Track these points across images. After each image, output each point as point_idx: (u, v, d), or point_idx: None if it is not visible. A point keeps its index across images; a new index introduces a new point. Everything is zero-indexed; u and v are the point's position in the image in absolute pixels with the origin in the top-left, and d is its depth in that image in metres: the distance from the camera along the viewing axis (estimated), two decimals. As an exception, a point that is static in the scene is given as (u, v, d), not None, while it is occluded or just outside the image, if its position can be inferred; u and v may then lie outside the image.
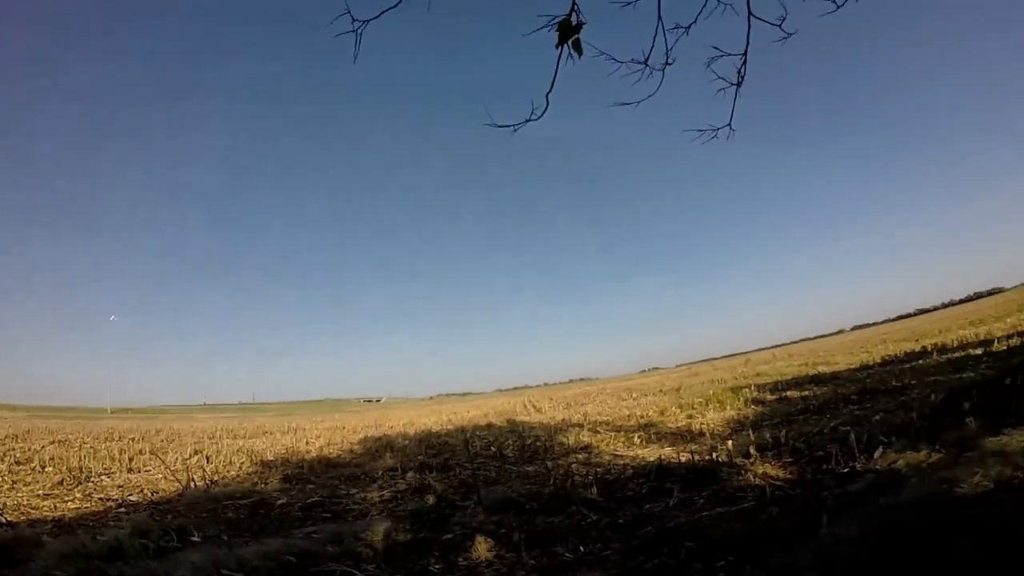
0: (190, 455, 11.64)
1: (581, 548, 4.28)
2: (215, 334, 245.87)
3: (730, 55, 4.25)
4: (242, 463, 10.21)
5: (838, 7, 4.86)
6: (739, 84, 4.32)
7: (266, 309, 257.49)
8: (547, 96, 3.97)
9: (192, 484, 7.69)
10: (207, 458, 10.99)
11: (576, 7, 3.68)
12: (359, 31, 3.73)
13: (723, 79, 4.30)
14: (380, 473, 8.21)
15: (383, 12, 3.78)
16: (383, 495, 6.68)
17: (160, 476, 8.69)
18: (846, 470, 5.29)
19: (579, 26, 3.65)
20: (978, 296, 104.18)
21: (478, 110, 4.04)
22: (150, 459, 10.76)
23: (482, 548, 4.47)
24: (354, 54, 3.80)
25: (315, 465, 9.53)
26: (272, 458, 10.69)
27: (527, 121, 4.07)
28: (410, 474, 7.69)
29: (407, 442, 12.64)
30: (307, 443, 13.95)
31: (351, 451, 11.76)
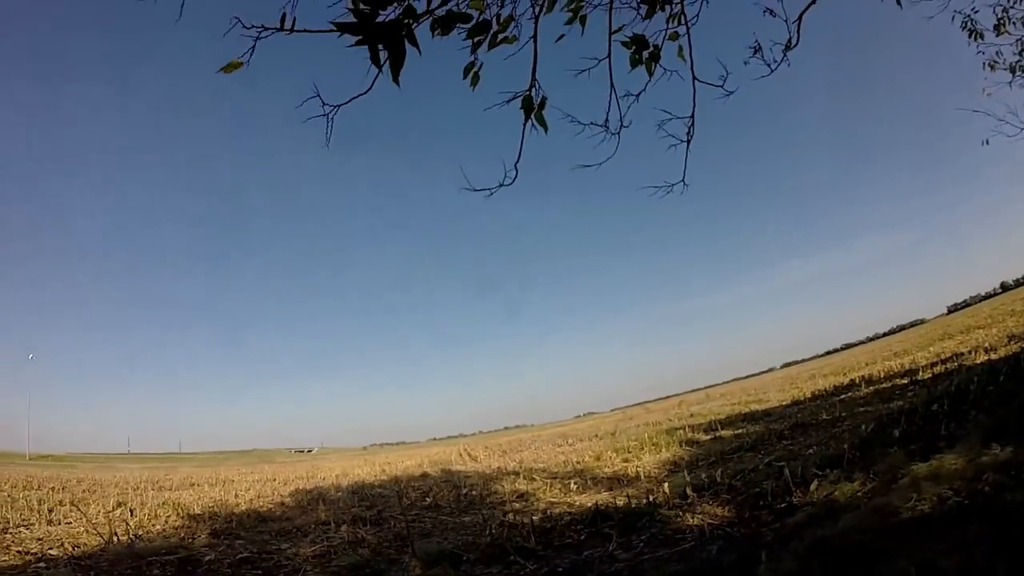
0: (113, 507, 10.86)
1: (517, 599, 4.36)
2: (140, 379, 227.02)
3: (679, 117, 4.81)
4: (168, 516, 9.67)
5: (772, 71, 5.43)
6: (688, 141, 4.88)
7: (193, 356, 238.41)
8: (516, 165, 4.22)
9: (115, 538, 7.35)
10: (131, 511, 10.29)
11: (536, 83, 3.93)
12: (331, 115, 3.66)
13: (673, 136, 4.85)
14: (312, 527, 7.96)
15: (353, 99, 3.66)
16: (316, 550, 6.52)
17: (82, 529, 8.16)
18: (783, 505, 5.31)
19: (542, 103, 3.87)
20: (901, 328, 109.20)
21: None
22: (71, 510, 9.99)
23: (415, 603, 4.56)
24: (327, 138, 3.70)
25: (245, 519, 9.16)
26: (199, 511, 10.14)
27: (500, 186, 4.34)
28: (344, 528, 7.53)
29: (340, 494, 12.33)
30: (236, 496, 13.34)
31: (282, 504, 11.37)
